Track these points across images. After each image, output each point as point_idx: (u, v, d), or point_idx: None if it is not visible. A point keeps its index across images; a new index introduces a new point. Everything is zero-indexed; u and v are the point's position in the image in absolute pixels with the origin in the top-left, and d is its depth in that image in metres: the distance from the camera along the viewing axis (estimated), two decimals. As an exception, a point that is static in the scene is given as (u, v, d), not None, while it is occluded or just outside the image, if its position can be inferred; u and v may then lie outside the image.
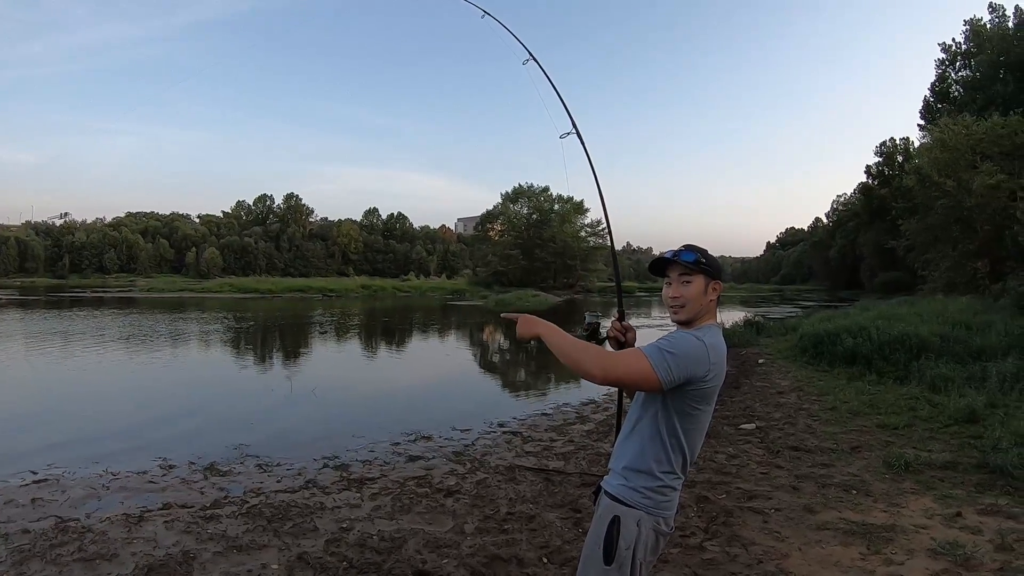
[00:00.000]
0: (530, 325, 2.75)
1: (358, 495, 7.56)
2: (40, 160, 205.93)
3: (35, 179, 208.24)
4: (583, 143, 4.25)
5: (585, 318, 3.21)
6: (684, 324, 2.67)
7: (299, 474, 8.53)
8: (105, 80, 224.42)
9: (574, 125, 4.26)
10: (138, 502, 7.37)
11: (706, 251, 2.66)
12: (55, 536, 6.23)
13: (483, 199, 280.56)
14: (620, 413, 3.17)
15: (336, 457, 9.30)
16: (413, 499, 7.34)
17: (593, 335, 3.18)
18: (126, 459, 9.10)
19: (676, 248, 2.71)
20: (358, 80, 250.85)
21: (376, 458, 9.36)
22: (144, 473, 8.54)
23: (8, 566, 5.56)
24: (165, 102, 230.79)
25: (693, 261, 2.61)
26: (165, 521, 6.65)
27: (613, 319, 3.19)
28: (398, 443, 10.19)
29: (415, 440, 10.39)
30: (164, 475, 8.52)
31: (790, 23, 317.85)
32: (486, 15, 5.15)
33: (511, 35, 4.97)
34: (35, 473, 8.43)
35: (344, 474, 8.52)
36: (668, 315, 2.76)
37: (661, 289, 2.82)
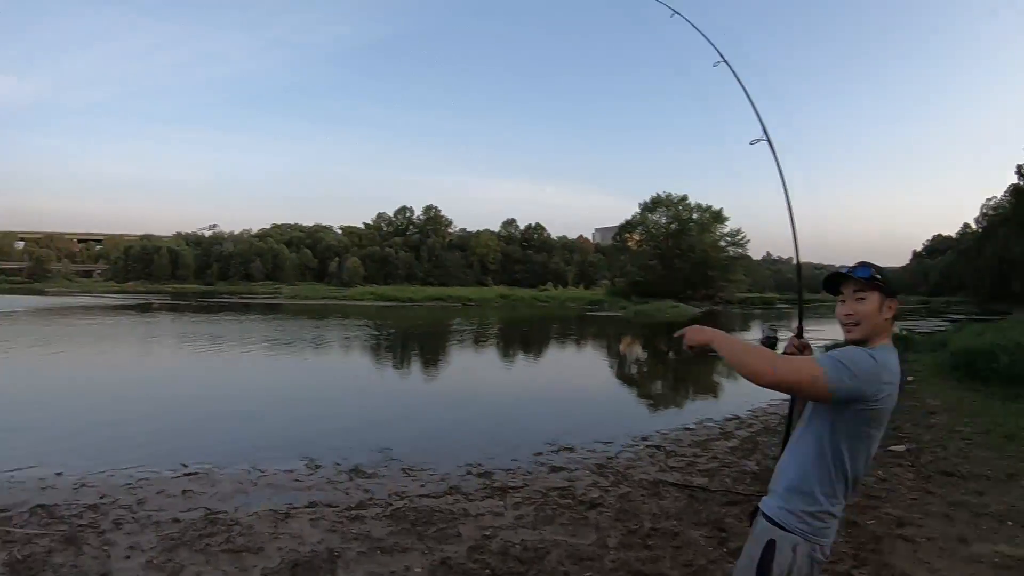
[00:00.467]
0: (699, 331, 2.75)
1: (501, 503, 7.55)
2: (191, 176, 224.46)
3: (189, 193, 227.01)
4: (774, 151, 4.04)
5: (763, 331, 3.21)
6: (858, 343, 2.61)
7: (442, 480, 8.61)
8: (248, 101, 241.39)
9: (765, 132, 4.06)
10: (285, 499, 7.67)
11: (880, 268, 2.65)
12: (204, 527, 6.58)
13: (621, 208, 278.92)
14: (788, 430, 2.99)
15: (479, 464, 9.33)
16: (556, 510, 7.27)
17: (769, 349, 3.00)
18: (273, 457, 9.54)
19: (851, 264, 2.67)
20: (495, 92, 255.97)
21: (519, 467, 9.34)
22: (291, 472, 8.92)
23: (158, 552, 5.92)
24: (305, 119, 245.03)
25: (868, 277, 2.59)
26: (311, 519, 6.89)
27: (791, 335, 3.15)
28: (540, 453, 10.14)
29: (557, 451, 10.31)
30: (310, 475, 8.84)
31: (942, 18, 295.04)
32: (675, 14, 5.05)
33: (702, 36, 4.82)
34: (186, 466, 9.01)
35: (487, 482, 8.55)
36: (842, 333, 2.67)
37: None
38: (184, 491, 7.88)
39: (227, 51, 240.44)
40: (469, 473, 8.94)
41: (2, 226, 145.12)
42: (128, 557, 5.82)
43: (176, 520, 6.76)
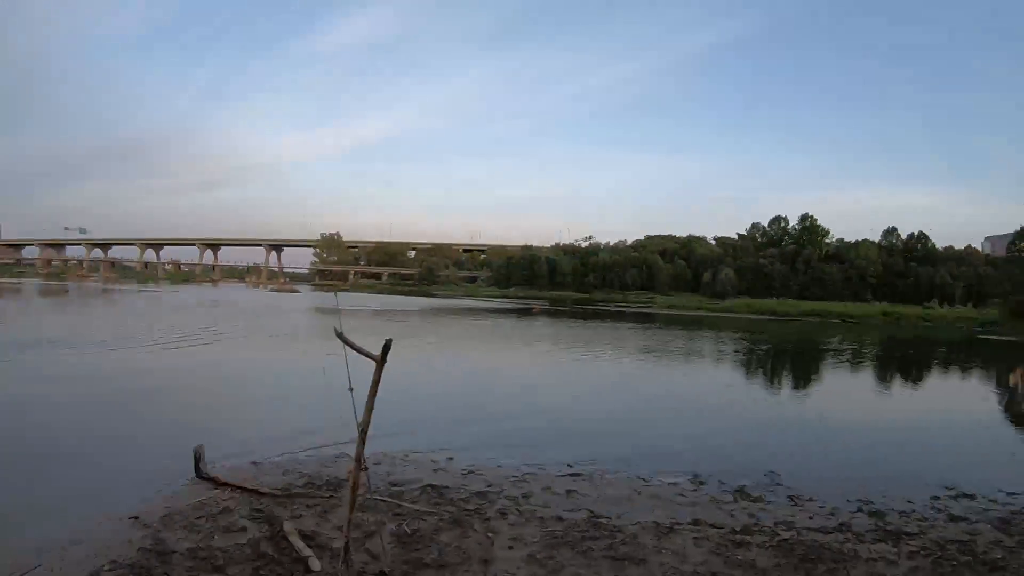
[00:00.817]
0: None
1: (895, 550, 6.58)
2: (567, 189, 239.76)
3: (564, 206, 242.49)
4: None
5: None
6: None
7: (831, 514, 7.79)
8: (605, 116, 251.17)
9: None
10: (668, 512, 7.50)
11: None
12: (587, 529, 6.62)
13: (1017, 213, 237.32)
14: None
15: (870, 502, 8.30)
16: (955, 567, 6.17)
17: None
18: (656, 468, 9.45)
19: None
20: (871, 88, 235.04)
21: (913, 510, 8.13)
22: (674, 485, 8.74)
23: (540, 547, 6.05)
24: (666, 130, 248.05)
25: None
26: (694, 537, 6.60)
27: None
28: (937, 497, 8.77)
29: (956, 497, 8.82)
30: (694, 490, 8.57)
31: None
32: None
33: None
34: (571, 467, 9.31)
35: (879, 523, 7.54)
36: None
37: None
38: (568, 491, 8.10)
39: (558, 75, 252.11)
40: (860, 510, 8.00)
41: (397, 238, 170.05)
42: (511, 548, 6.04)
43: (559, 518, 6.90)
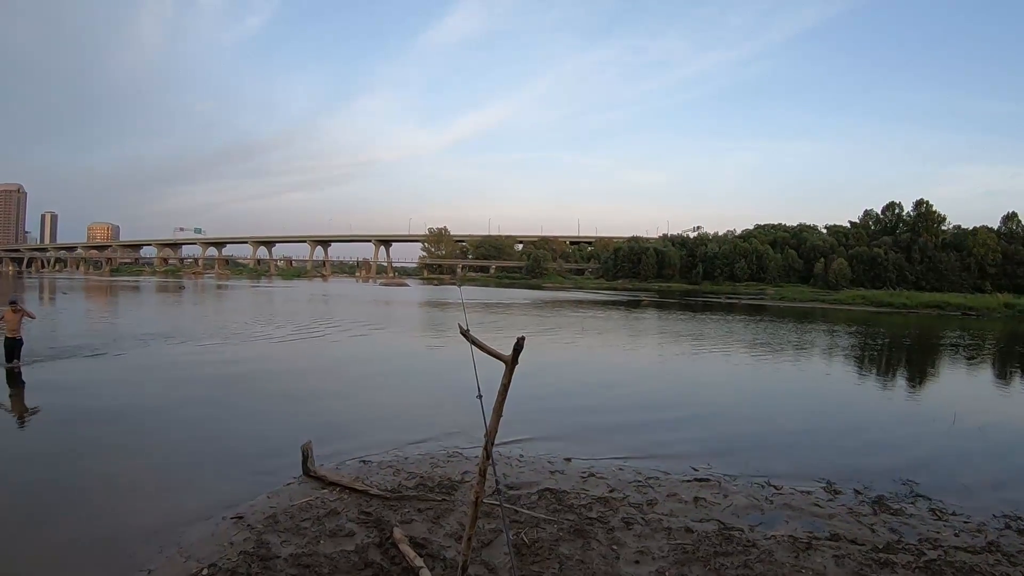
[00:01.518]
0: None
1: None
2: (672, 179, 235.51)
3: (669, 197, 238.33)
4: None
5: None
6: None
7: (978, 531, 6.96)
8: (710, 104, 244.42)
9: None
10: (804, 525, 6.83)
11: None
12: (718, 543, 6.08)
13: None
14: None
15: (1018, 518, 7.36)
16: None
17: None
18: (787, 474, 8.75)
19: None
20: (990, 68, 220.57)
21: None
22: (808, 493, 8.00)
23: (670, 563, 5.57)
24: (771, 118, 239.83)
25: None
26: (835, 555, 5.97)
27: None
28: None
29: None
30: (829, 500, 7.82)
31: None
32: None
33: None
34: (696, 471, 8.71)
35: None
36: None
37: None
38: (696, 498, 7.50)
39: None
40: (1008, 527, 7.15)
41: (503, 231, 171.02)
42: (637, 562, 5.58)
43: (688, 530, 6.38)
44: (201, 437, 10.20)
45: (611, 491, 7.54)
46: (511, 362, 4.31)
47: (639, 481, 8.05)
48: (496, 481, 5.17)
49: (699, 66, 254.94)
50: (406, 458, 8.82)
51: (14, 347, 15.30)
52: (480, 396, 4.65)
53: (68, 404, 11.97)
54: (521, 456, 8.99)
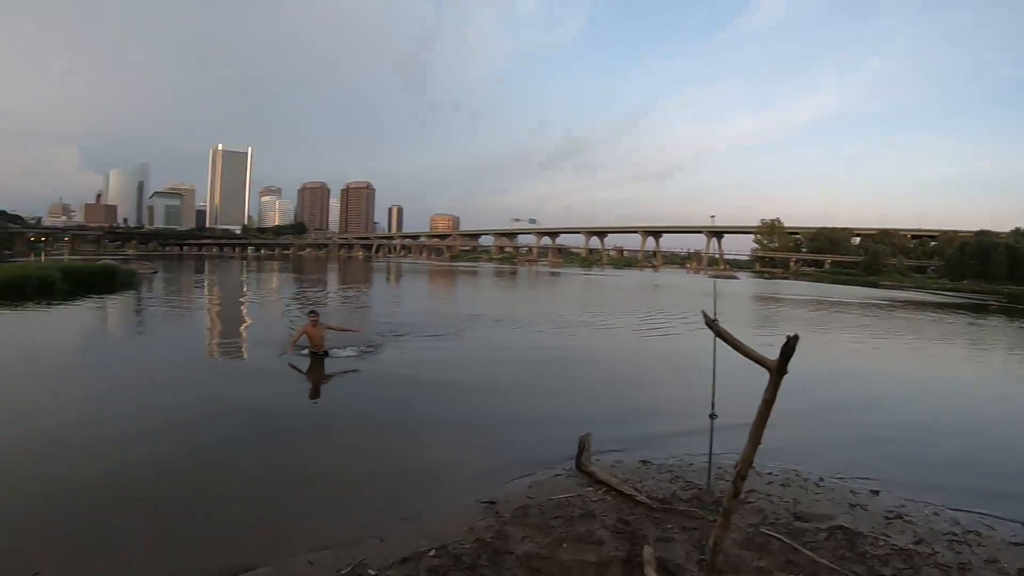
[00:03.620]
0: None
1: None
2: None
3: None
4: None
5: None
6: None
7: None
8: None
9: None
10: None
11: None
12: None
13: None
14: None
15: None
16: None
17: None
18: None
19: None
20: None
21: None
22: None
23: None
24: None
25: None
26: None
27: None
28: None
29: None
30: None
31: None
32: None
33: None
34: None
35: None
36: None
37: None
38: (1021, 570, 5.58)
39: None
40: None
41: (840, 223, 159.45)
42: None
43: None
44: (486, 415, 10.39)
45: (917, 542, 5.92)
46: (777, 369, 3.42)
47: (954, 535, 6.22)
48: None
49: None
50: (690, 465, 7.89)
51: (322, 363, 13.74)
52: (713, 415, 3.77)
53: (409, 374, 13.26)
54: (820, 481, 7.60)
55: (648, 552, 5.16)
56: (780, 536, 5.64)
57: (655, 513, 6.18)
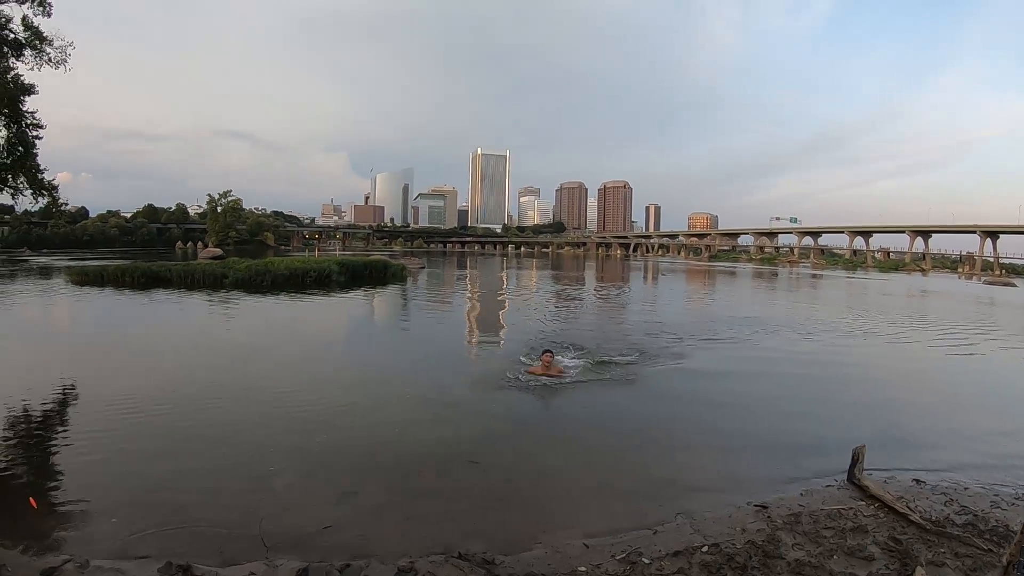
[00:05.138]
0: None
1: None
2: None
3: None
4: None
5: None
6: None
7: None
8: None
9: None
10: None
11: None
12: None
13: None
14: None
15: None
16: None
17: None
18: None
19: None
20: None
21: None
22: None
23: None
24: None
25: None
26: None
27: None
28: None
29: None
30: None
31: None
32: None
33: None
34: None
35: None
36: None
37: None
38: None
39: None
40: None
41: None
42: None
43: None
44: (756, 420, 10.70)
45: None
46: None
47: None
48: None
49: None
50: (965, 488, 7.77)
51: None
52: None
53: (683, 380, 13.82)
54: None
55: (920, 574, 5.37)
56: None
57: (928, 535, 6.30)
